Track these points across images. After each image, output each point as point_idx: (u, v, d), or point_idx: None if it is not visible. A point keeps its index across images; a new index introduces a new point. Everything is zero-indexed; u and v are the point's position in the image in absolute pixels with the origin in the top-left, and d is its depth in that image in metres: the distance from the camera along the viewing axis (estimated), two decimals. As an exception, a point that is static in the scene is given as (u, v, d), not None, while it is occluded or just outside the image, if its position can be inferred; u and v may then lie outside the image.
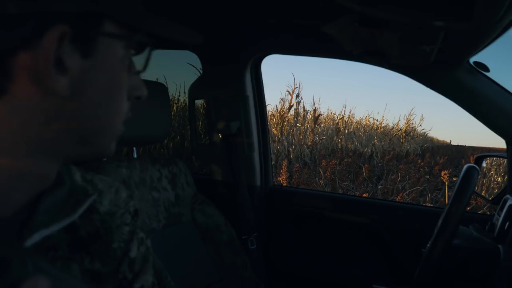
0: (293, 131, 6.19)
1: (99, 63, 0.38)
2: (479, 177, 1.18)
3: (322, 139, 6.61)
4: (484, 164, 1.53)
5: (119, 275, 0.52)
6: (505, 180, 1.42)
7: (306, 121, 6.49)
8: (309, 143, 6.21)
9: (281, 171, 4.11)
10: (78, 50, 0.36)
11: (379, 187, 4.84)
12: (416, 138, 9.60)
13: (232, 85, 1.51)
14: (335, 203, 1.58)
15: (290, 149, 5.87)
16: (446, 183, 4.21)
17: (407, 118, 8.35)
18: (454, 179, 4.82)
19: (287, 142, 6.00)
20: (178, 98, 3.98)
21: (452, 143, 15.89)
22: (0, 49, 0.33)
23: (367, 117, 8.65)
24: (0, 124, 0.35)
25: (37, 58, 0.34)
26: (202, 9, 1.19)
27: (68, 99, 0.37)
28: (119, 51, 0.40)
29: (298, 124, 6.37)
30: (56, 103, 0.36)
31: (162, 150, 3.39)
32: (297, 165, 4.90)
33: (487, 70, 1.14)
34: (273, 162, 5.05)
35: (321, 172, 4.86)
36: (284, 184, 3.80)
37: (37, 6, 0.33)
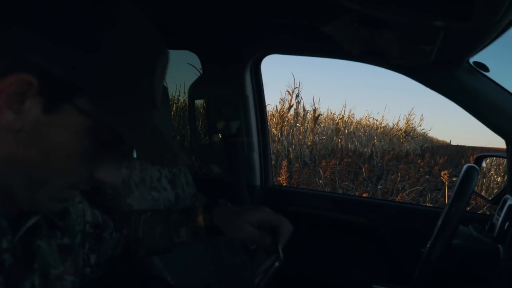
0: (293, 131, 6.19)
1: (58, 124, 0.42)
2: (479, 177, 1.18)
3: (322, 139, 6.61)
4: (484, 164, 1.53)
5: (84, 249, 0.64)
6: (505, 180, 1.42)
7: (306, 121, 6.49)
8: (309, 143, 6.21)
9: (281, 171, 4.10)
10: (41, 103, 0.40)
11: (379, 187, 4.84)
12: (416, 138, 9.59)
13: (232, 85, 1.51)
14: (335, 203, 1.58)
15: (290, 149, 5.87)
16: (446, 183, 4.21)
17: (407, 118, 8.35)
18: (454, 179, 4.82)
19: (287, 142, 6.00)
20: (178, 98, 3.98)
21: (452, 143, 15.88)
22: None
23: (367, 117, 8.65)
24: None
25: (1, 90, 0.38)
26: (202, 9, 1.19)
27: (20, 140, 0.41)
28: (84, 125, 0.43)
29: (298, 124, 6.36)
30: (12, 138, 0.41)
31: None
32: (297, 165, 4.90)
33: (487, 70, 1.14)
34: (273, 162, 5.04)
35: (321, 172, 4.86)
36: (284, 184, 3.80)
37: (17, 54, 0.38)
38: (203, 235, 0.75)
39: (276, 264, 0.70)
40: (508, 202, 1.12)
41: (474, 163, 1.28)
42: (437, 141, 14.25)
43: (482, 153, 1.45)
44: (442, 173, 4.28)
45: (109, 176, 0.49)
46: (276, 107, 6.16)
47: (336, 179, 4.75)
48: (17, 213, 0.50)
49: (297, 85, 6.27)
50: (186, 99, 1.70)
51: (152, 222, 0.76)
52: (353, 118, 8.08)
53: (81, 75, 0.40)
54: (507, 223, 1.07)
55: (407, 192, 4.57)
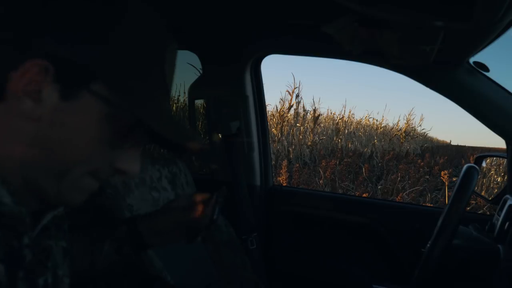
0: (293, 131, 6.19)
1: (77, 111, 0.42)
2: (479, 177, 1.18)
3: (322, 139, 6.61)
4: (484, 164, 1.53)
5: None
6: (505, 180, 1.42)
7: (306, 121, 6.49)
8: (309, 143, 6.21)
9: (281, 171, 4.10)
10: (58, 90, 0.41)
11: (379, 187, 4.84)
12: (416, 138, 9.59)
13: (232, 85, 1.51)
14: (335, 203, 1.58)
15: (290, 149, 5.87)
16: (446, 183, 4.21)
17: (407, 118, 8.35)
18: (454, 179, 4.82)
19: (287, 142, 6.00)
20: (178, 98, 3.98)
21: (452, 143, 15.86)
22: (6, 63, 0.39)
23: (367, 117, 8.65)
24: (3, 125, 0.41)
25: (18, 78, 0.39)
26: (202, 9, 1.19)
27: (40, 128, 0.41)
28: (102, 112, 0.43)
29: (298, 124, 6.36)
30: (32, 127, 0.41)
31: (162, 150, 3.39)
32: (297, 165, 4.90)
33: (487, 70, 1.14)
34: (273, 162, 5.04)
35: (321, 172, 4.86)
36: (284, 184, 3.80)
37: (38, 41, 0.39)
38: (127, 250, 0.73)
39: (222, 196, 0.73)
40: (508, 202, 1.12)
41: (474, 163, 1.28)
42: (437, 141, 14.24)
43: (482, 153, 1.45)
44: (442, 173, 4.28)
45: (129, 166, 0.50)
46: (276, 107, 6.17)
47: (336, 179, 4.75)
48: (35, 209, 0.50)
49: (297, 85, 6.28)
50: (186, 99, 1.70)
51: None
52: (353, 118, 8.09)
53: (95, 61, 0.41)
54: (507, 223, 1.07)
55: (407, 192, 4.57)
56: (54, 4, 0.40)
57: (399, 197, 4.41)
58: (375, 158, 6.62)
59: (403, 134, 8.21)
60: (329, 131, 7.14)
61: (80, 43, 0.40)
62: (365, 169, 5.31)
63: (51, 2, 0.40)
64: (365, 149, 7.08)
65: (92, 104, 0.42)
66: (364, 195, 3.84)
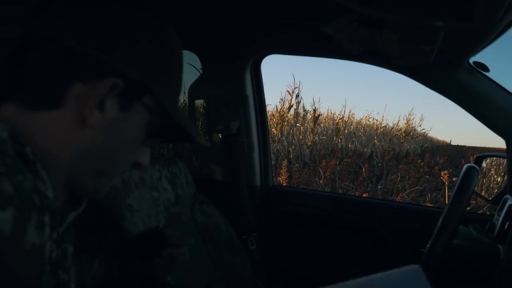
0: (293, 131, 6.19)
1: (129, 120, 0.49)
2: (479, 177, 1.18)
3: (322, 139, 6.61)
4: (484, 164, 1.53)
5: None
6: (505, 180, 1.42)
7: (306, 121, 6.49)
8: (309, 143, 6.21)
9: (281, 171, 4.10)
10: (119, 103, 0.47)
11: (379, 187, 4.84)
12: (416, 138, 9.59)
13: (232, 85, 1.51)
14: (335, 203, 1.58)
15: (290, 149, 5.87)
16: (446, 183, 4.21)
17: (407, 118, 8.35)
18: (454, 179, 4.82)
19: (287, 142, 6.00)
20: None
21: (452, 143, 15.86)
22: (67, 75, 0.44)
23: (367, 117, 8.66)
24: (50, 132, 0.45)
25: (88, 91, 0.44)
26: (202, 9, 1.19)
27: (98, 136, 0.47)
28: (145, 120, 0.50)
29: (298, 124, 6.36)
30: (90, 135, 0.46)
31: (162, 150, 3.39)
32: (297, 165, 4.90)
33: (487, 70, 1.14)
34: (273, 162, 5.04)
35: (321, 172, 4.86)
36: (284, 184, 3.80)
37: (115, 63, 0.45)
38: (116, 270, 0.77)
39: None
40: (508, 202, 1.12)
41: (474, 163, 1.28)
42: (437, 141, 14.24)
43: (482, 153, 1.45)
44: (442, 173, 4.28)
45: (143, 159, 0.55)
46: (276, 107, 6.17)
47: (336, 179, 4.75)
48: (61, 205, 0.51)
49: (297, 85, 6.28)
50: (186, 99, 1.71)
51: None
52: (353, 118, 8.09)
53: (149, 78, 0.48)
54: (507, 223, 1.07)
55: (407, 192, 4.57)
56: (127, 33, 0.47)
57: (399, 197, 4.41)
58: (375, 158, 6.62)
59: (403, 134, 8.21)
60: (329, 131, 7.14)
61: (144, 64, 0.47)
62: (365, 169, 5.31)
63: (126, 32, 0.47)
64: (365, 149, 7.08)
65: (141, 113, 0.49)
66: (364, 195, 3.84)
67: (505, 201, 1.16)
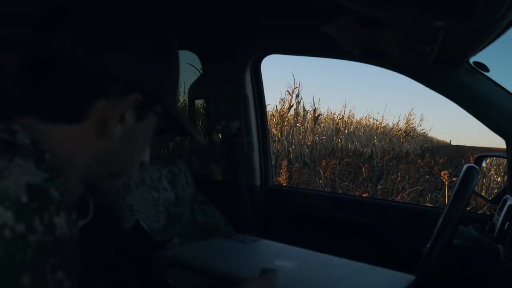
0: (293, 131, 6.19)
1: (143, 127, 0.53)
2: (479, 177, 1.18)
3: (322, 139, 6.61)
4: (484, 164, 1.53)
5: None
6: (505, 180, 1.42)
7: (306, 121, 6.49)
8: (309, 143, 6.21)
9: (281, 171, 4.10)
10: (136, 114, 0.51)
11: (379, 187, 4.84)
12: (416, 138, 9.58)
13: (232, 85, 1.51)
14: (335, 203, 1.58)
15: (290, 149, 5.87)
16: (446, 183, 4.21)
17: (407, 118, 8.34)
18: (454, 179, 4.82)
19: (287, 142, 6.00)
20: (177, 98, 3.98)
21: (452, 143, 15.85)
22: (90, 92, 0.47)
23: (367, 117, 8.65)
24: (70, 143, 0.47)
25: (112, 106, 0.48)
26: (202, 9, 1.19)
27: (116, 145, 0.50)
28: (154, 125, 0.55)
29: (298, 124, 6.36)
30: (108, 144, 0.50)
31: (162, 150, 3.39)
32: (297, 165, 4.90)
33: (487, 70, 1.14)
34: (273, 162, 5.04)
35: (321, 172, 4.86)
36: (284, 184, 3.80)
37: (135, 79, 0.49)
38: None
39: None
40: (508, 202, 1.12)
41: (474, 163, 1.28)
42: (437, 141, 14.24)
43: (482, 153, 1.45)
44: (442, 173, 4.28)
45: (146, 157, 0.58)
46: (276, 107, 6.17)
47: (336, 179, 4.75)
48: None
49: (297, 85, 6.27)
50: (186, 99, 1.71)
51: None
52: (353, 118, 8.08)
53: (160, 88, 0.52)
54: (507, 223, 1.07)
55: (407, 192, 4.57)
56: (142, 48, 0.50)
57: (399, 197, 4.41)
58: (375, 158, 6.62)
59: (403, 134, 8.21)
60: (329, 131, 7.14)
61: (156, 78, 0.51)
62: (365, 169, 5.31)
63: (142, 46, 0.50)
64: (365, 149, 7.07)
65: (153, 120, 0.53)
66: (364, 195, 3.84)
67: (505, 201, 1.16)
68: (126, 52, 0.48)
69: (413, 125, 8.78)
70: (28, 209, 0.34)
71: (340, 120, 7.36)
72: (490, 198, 1.36)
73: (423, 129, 10.26)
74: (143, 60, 0.50)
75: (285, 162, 4.41)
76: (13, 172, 0.36)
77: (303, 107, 6.48)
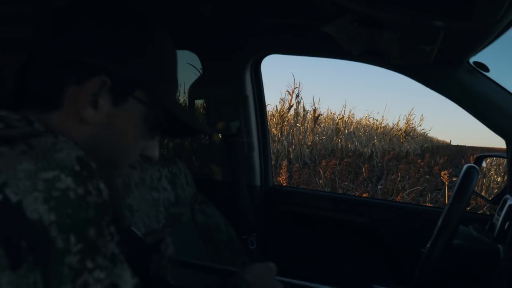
0: (293, 131, 6.19)
1: (124, 114, 0.53)
2: (479, 177, 1.18)
3: (322, 139, 6.61)
4: (484, 164, 1.53)
5: None
6: (505, 180, 1.42)
7: (306, 121, 6.49)
8: (309, 143, 6.21)
9: (281, 171, 4.10)
10: (111, 99, 0.51)
11: (379, 187, 4.84)
12: (416, 138, 9.58)
13: (232, 85, 1.51)
14: (335, 203, 1.58)
15: (290, 149, 5.87)
16: (446, 183, 4.21)
17: (407, 118, 8.34)
18: (454, 179, 4.82)
19: (287, 142, 6.00)
20: (178, 98, 3.98)
21: (452, 143, 15.85)
22: (63, 79, 0.49)
23: (367, 117, 8.65)
24: (60, 129, 0.49)
25: (80, 92, 0.49)
26: (202, 9, 1.19)
27: (97, 131, 0.51)
28: (141, 113, 0.54)
29: (298, 124, 6.36)
30: (89, 130, 0.51)
31: (162, 150, 3.39)
32: (297, 165, 4.90)
33: (487, 70, 1.14)
34: (273, 162, 5.04)
35: (321, 172, 4.86)
36: (284, 184, 3.80)
37: (101, 62, 0.50)
38: None
39: None
40: (508, 202, 1.12)
41: (474, 163, 1.28)
42: (437, 141, 14.24)
43: (482, 153, 1.45)
44: (442, 173, 4.28)
45: (152, 153, 0.60)
46: (276, 107, 6.17)
47: (336, 179, 4.75)
48: None
49: (297, 85, 6.27)
50: (186, 99, 1.71)
51: None
52: (353, 118, 8.08)
53: (138, 73, 0.52)
54: (507, 223, 1.07)
55: (407, 192, 4.57)
56: (112, 32, 0.51)
57: (399, 197, 4.41)
58: (375, 158, 6.62)
59: (403, 134, 8.21)
60: (329, 131, 7.14)
61: (127, 59, 0.51)
62: (365, 169, 5.31)
63: (110, 31, 0.51)
64: (365, 149, 7.07)
65: (135, 107, 0.53)
66: (364, 195, 3.84)
67: (505, 201, 1.16)
68: (91, 36, 0.50)
69: (413, 125, 8.78)
70: (82, 176, 0.40)
71: (340, 120, 7.36)
72: (490, 198, 1.36)
73: (423, 129, 10.27)
74: (110, 42, 0.50)
75: (285, 162, 4.41)
76: (63, 146, 0.41)
77: (303, 107, 6.49)
